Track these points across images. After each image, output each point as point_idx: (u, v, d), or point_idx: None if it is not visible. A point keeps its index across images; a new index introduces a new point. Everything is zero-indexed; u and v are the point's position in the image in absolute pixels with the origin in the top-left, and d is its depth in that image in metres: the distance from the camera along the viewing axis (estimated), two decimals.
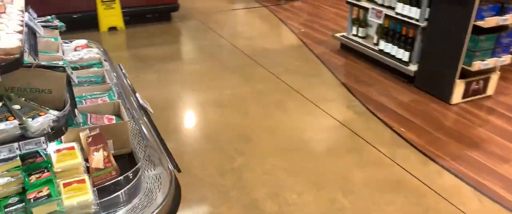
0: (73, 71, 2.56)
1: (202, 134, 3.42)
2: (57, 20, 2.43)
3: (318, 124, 3.63)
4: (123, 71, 3.04)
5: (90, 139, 1.76)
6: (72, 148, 1.77)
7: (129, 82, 2.91)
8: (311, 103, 3.96)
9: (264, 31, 6.40)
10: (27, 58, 1.75)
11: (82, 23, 5.81)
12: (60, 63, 1.84)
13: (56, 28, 2.37)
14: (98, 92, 2.25)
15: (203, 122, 3.69)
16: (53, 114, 1.63)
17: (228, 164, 2.99)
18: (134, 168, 1.77)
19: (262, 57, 5.12)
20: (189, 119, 3.65)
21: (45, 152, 1.78)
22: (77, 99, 2.21)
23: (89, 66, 2.63)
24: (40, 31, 2.02)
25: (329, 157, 3.15)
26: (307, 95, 4.11)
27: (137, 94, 2.56)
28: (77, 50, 2.96)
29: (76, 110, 1.80)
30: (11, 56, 1.59)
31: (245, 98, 4.06)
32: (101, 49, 3.02)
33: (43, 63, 1.81)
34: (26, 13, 2.05)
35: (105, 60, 3.17)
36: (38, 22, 2.37)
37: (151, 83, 4.36)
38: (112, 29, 5.98)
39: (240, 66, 4.87)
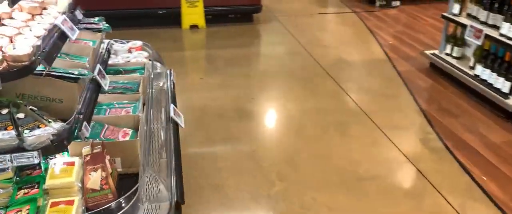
0: (114, 75, 2.54)
1: (247, 149, 3.20)
2: (103, 23, 2.40)
3: (379, 156, 3.18)
4: (172, 78, 2.96)
5: (88, 157, 1.66)
6: (72, 163, 1.68)
7: (172, 89, 2.81)
8: (378, 130, 3.50)
9: (346, 40, 5.95)
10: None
11: (165, 19, 6.00)
12: (76, 72, 1.76)
13: (99, 31, 2.33)
14: (126, 102, 2.17)
15: (252, 137, 3.44)
16: (53, 127, 1.55)
17: (265, 189, 2.74)
18: (127, 194, 1.63)
19: (336, 69, 4.73)
20: (238, 131, 3.44)
21: (47, 165, 1.72)
22: (103, 107, 2.15)
23: (132, 71, 2.58)
24: (72, 35, 1.97)
25: (383, 199, 2.71)
26: (375, 120, 3.64)
27: (171, 106, 2.44)
28: (131, 51, 2.95)
29: (85, 123, 1.70)
30: (19, 64, 1.54)
31: (304, 115, 3.75)
32: (152, 51, 2.97)
33: (57, 71, 1.76)
34: (63, 15, 2.02)
35: (158, 61, 3.12)
36: (83, 23, 2.36)
37: (213, 86, 4.28)
38: (194, 27, 6.07)
39: (309, 77, 4.55)
